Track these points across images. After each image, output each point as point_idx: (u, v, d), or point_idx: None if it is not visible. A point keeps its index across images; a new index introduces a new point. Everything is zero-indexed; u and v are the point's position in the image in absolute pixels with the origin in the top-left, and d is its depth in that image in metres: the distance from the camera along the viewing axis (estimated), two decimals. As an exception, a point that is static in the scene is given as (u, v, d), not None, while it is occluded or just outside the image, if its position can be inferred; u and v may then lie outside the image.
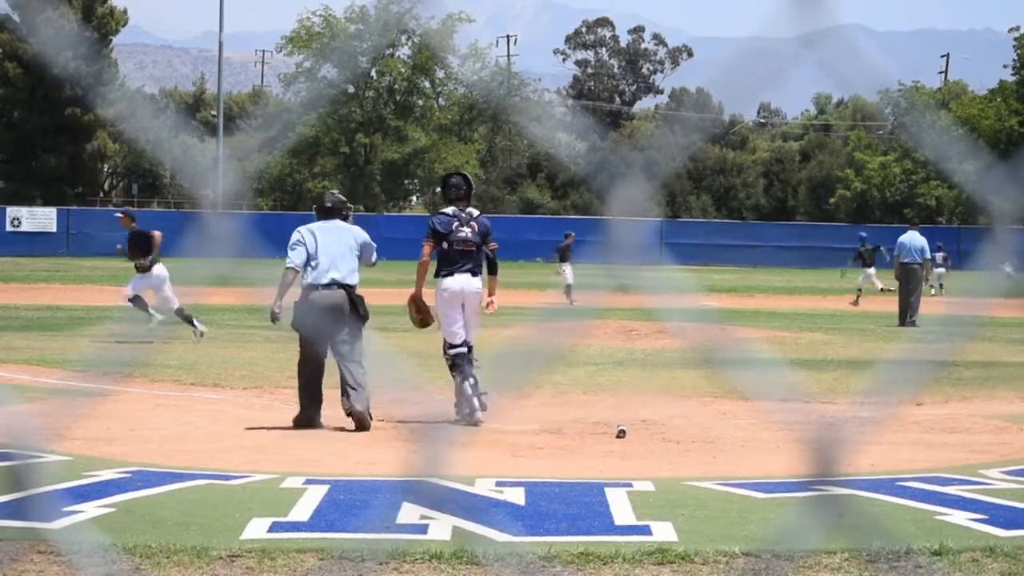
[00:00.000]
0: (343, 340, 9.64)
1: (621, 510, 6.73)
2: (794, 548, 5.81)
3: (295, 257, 9.74)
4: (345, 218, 10.18)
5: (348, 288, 9.70)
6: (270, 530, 6.15)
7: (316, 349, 9.69)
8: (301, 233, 9.85)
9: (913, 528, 6.37)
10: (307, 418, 9.77)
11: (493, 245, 10.38)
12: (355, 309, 9.68)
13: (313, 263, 9.68)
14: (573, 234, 28.69)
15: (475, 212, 10.30)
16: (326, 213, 10.08)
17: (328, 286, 9.63)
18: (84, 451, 8.38)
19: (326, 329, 9.59)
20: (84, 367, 13.46)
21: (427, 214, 66.48)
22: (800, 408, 11.32)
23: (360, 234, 10.01)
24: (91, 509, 6.53)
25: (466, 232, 10.11)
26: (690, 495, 7.22)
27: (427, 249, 10.13)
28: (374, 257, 10.11)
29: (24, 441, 8.38)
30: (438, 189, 74.07)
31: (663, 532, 6.20)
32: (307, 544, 5.87)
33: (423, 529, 6.16)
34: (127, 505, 6.68)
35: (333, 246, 9.77)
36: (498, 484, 7.37)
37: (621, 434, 9.56)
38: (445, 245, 10.12)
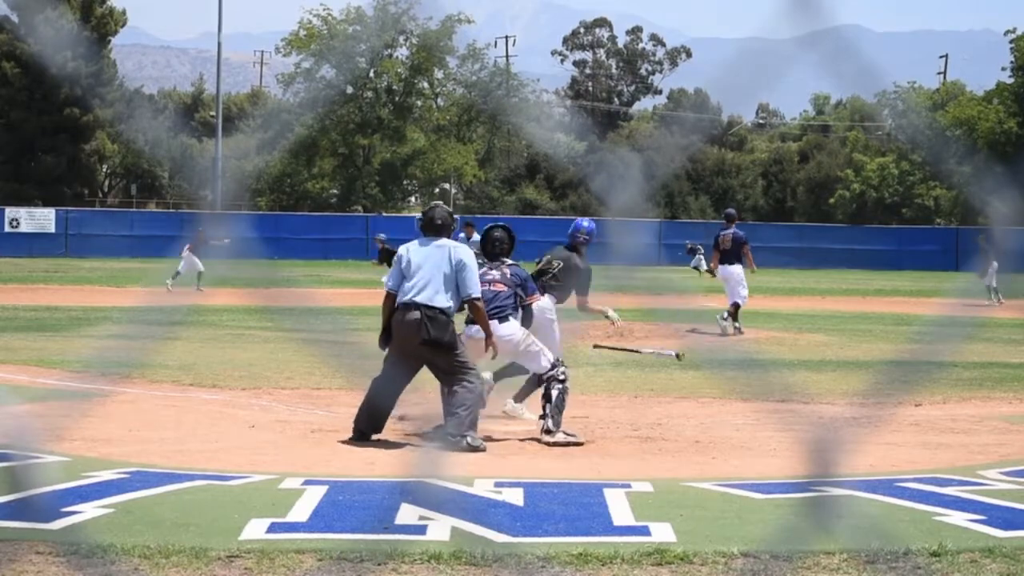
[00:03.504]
0: (430, 366, 9.16)
1: (620, 511, 6.73)
2: (793, 549, 5.81)
3: (390, 280, 9.31)
4: (450, 233, 9.46)
5: (425, 308, 8.97)
6: (269, 531, 6.15)
7: (391, 369, 9.15)
8: (399, 252, 9.31)
9: (912, 529, 6.37)
10: (357, 434, 9.20)
11: (532, 298, 9.89)
12: (419, 332, 8.93)
13: (405, 282, 9.11)
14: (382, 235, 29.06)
15: (508, 261, 9.95)
16: (434, 231, 9.31)
17: (407, 307, 9.01)
18: (83, 452, 8.38)
19: (399, 351, 9.10)
20: (83, 368, 13.46)
21: (426, 215, 66.54)
22: (799, 409, 11.32)
23: (459, 254, 9.17)
24: (90, 510, 6.53)
25: (494, 275, 9.75)
26: (689, 496, 7.23)
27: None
28: (472, 288, 9.10)
29: (23, 442, 8.40)
30: (437, 190, 74.15)
31: (662, 533, 6.21)
32: (306, 545, 5.87)
33: (422, 530, 6.17)
34: (126, 506, 6.68)
35: (426, 266, 9.08)
36: (497, 485, 7.37)
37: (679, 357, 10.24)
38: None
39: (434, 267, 9.07)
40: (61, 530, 6.10)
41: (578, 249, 11.11)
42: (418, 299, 8.99)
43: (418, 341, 8.95)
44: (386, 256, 28.08)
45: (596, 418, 10.57)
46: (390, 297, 9.22)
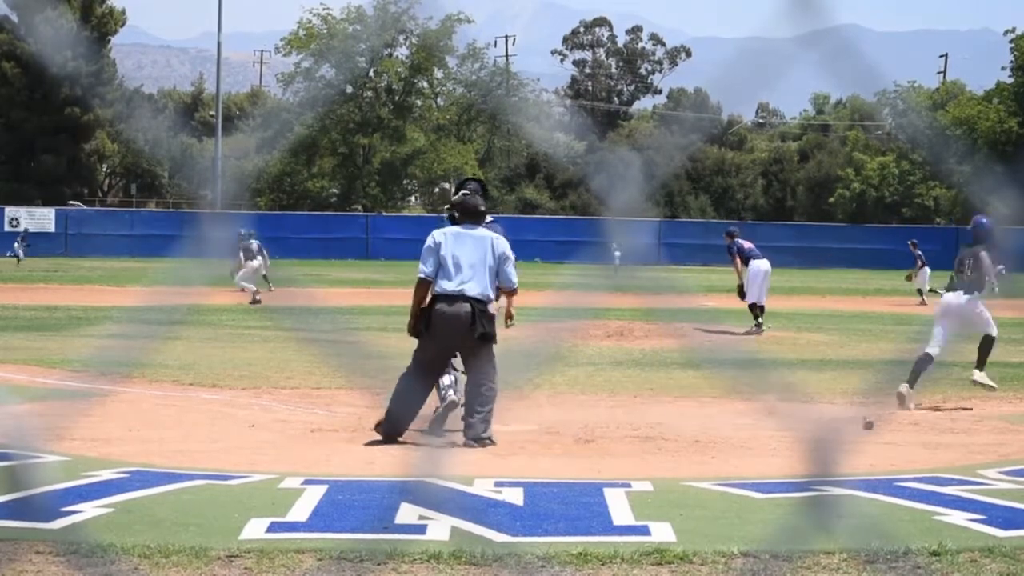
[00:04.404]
0: (466, 359, 9.03)
1: (619, 510, 6.73)
2: (793, 548, 5.81)
3: (426, 266, 8.95)
4: (484, 219, 9.36)
5: (475, 302, 8.88)
6: (268, 530, 6.15)
7: (426, 363, 8.99)
8: (435, 238, 9.02)
9: (911, 528, 6.37)
10: (388, 429, 8.97)
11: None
12: (473, 326, 8.85)
13: (443, 271, 8.91)
14: (251, 231, 28.77)
15: (489, 218, 9.85)
16: (473, 218, 9.18)
17: (454, 298, 8.86)
18: (83, 451, 8.38)
19: (441, 343, 8.95)
20: (83, 367, 13.46)
21: (425, 214, 66.56)
22: (799, 408, 11.31)
23: (501, 246, 9.11)
24: (90, 509, 6.52)
25: None
26: (688, 495, 7.22)
27: None
28: (514, 278, 9.16)
29: (23, 441, 8.40)
30: (437, 189, 74.11)
31: (661, 532, 6.20)
32: (305, 544, 5.87)
33: (421, 529, 6.16)
34: (126, 505, 6.68)
35: (468, 255, 8.94)
36: (496, 484, 7.36)
37: (869, 426, 10.10)
38: None
39: (480, 259, 9.00)
40: (61, 530, 6.10)
41: (983, 243, 12.01)
42: (468, 292, 8.89)
43: (471, 335, 8.87)
44: (247, 252, 27.70)
45: (595, 418, 10.57)
46: (424, 284, 9.01)
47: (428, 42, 65.75)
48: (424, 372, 9.05)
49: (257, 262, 28.08)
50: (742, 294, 20.22)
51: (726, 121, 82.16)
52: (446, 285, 8.92)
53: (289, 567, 5.55)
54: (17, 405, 10.63)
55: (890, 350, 17.61)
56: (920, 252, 30.84)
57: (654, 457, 8.86)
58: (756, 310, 20.07)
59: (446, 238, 9.05)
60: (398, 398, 9.01)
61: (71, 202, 62.45)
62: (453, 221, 9.32)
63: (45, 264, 43.78)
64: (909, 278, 30.85)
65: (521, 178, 74.53)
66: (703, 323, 20.69)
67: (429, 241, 9.07)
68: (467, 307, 8.87)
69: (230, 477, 7.54)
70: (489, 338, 8.97)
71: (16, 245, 46.62)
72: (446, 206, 9.80)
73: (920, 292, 30.37)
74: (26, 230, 50.52)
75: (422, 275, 9.01)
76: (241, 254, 27.88)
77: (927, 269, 30.54)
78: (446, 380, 9.41)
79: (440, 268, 8.97)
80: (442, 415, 9.46)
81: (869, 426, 10.15)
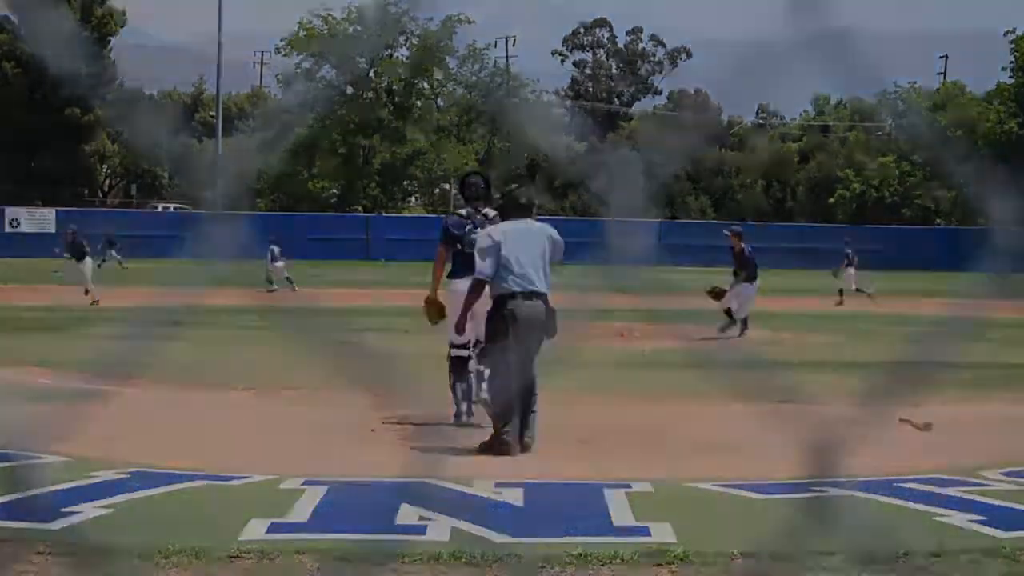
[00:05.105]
0: (531, 352, 8.91)
1: (620, 511, 6.73)
2: (793, 549, 5.81)
3: (486, 266, 8.78)
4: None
5: (545, 299, 8.83)
6: (268, 531, 6.15)
7: (522, 365, 8.81)
8: (493, 236, 8.86)
9: (912, 529, 6.37)
10: (503, 444, 8.75)
11: None
12: (548, 323, 8.83)
13: (508, 270, 8.75)
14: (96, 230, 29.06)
15: (491, 213, 9.85)
16: (521, 212, 9.20)
17: (528, 295, 8.74)
18: (83, 452, 8.37)
19: (522, 340, 8.75)
20: (83, 368, 13.46)
21: (425, 215, 66.57)
22: (800, 410, 11.31)
23: (552, 233, 9.06)
24: (90, 510, 6.53)
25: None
26: (689, 496, 7.22)
27: (442, 250, 9.74)
28: (561, 255, 9.16)
29: (23, 442, 8.39)
30: (438, 190, 74.06)
31: (661, 533, 6.20)
32: (305, 545, 5.87)
33: (421, 530, 6.16)
34: (126, 506, 6.68)
35: (529, 251, 8.83)
36: (497, 485, 7.36)
37: (928, 427, 10.00)
38: (459, 246, 9.75)
39: (540, 253, 8.90)
40: (61, 530, 6.10)
41: None
42: (538, 288, 8.80)
43: (547, 332, 8.82)
44: (74, 250, 27.58)
45: (595, 419, 10.56)
46: (482, 284, 8.85)
47: (428, 43, 65.75)
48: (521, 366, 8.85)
49: (280, 263, 29.02)
50: (720, 296, 19.97)
51: (726, 122, 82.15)
52: (514, 283, 8.75)
53: (289, 568, 5.55)
54: (17, 405, 10.63)
55: (890, 351, 17.60)
56: (851, 251, 30.98)
57: (654, 458, 8.86)
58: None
59: (505, 236, 8.86)
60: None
61: (167, 205, 61.60)
62: (504, 216, 9.23)
63: (45, 264, 43.69)
64: (835, 275, 31.15)
65: (521, 179, 74.53)
66: (700, 325, 20.68)
67: (486, 240, 8.89)
68: (541, 304, 8.81)
69: (230, 477, 7.54)
70: (555, 334, 8.94)
71: (111, 252, 43.81)
72: (498, 197, 9.75)
73: (841, 292, 30.49)
74: (112, 232, 46.22)
75: (481, 276, 8.84)
76: (268, 254, 28.90)
77: (852, 269, 30.75)
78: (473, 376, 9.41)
79: (502, 267, 8.78)
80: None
81: (928, 427, 10.07)
